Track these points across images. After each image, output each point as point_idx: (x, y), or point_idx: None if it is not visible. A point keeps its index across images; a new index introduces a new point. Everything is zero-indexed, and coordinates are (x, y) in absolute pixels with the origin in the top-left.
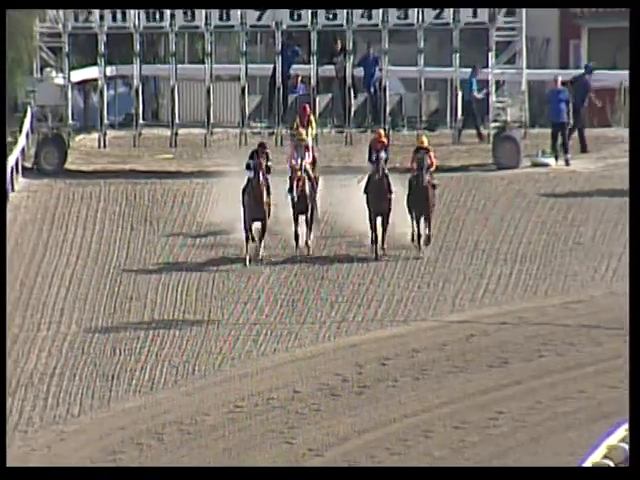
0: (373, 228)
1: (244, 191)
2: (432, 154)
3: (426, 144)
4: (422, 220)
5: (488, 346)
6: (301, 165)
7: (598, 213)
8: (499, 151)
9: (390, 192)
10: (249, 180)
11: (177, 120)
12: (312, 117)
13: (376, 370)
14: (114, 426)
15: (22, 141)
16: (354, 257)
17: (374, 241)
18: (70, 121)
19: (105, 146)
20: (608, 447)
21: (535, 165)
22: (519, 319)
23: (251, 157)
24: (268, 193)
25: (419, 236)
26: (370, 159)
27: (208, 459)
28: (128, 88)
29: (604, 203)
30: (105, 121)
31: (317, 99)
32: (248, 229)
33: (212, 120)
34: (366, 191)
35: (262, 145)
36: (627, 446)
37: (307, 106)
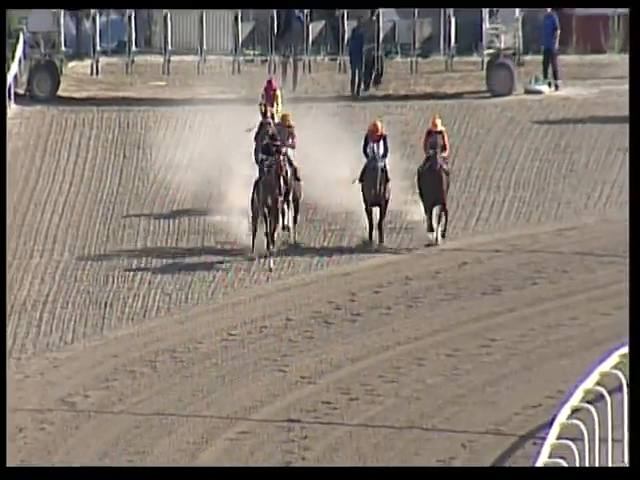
0: (369, 220)
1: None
2: (446, 137)
3: (439, 126)
4: (436, 209)
5: (481, 274)
6: (285, 150)
7: (591, 140)
8: (493, 78)
9: (387, 181)
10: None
11: (170, 47)
12: (278, 92)
13: (369, 298)
14: (107, 354)
15: (14, 68)
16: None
17: (370, 234)
18: (63, 48)
19: (98, 73)
20: (601, 374)
21: (528, 92)
22: (512, 247)
23: (266, 151)
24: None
25: (431, 228)
26: (365, 151)
27: (201, 387)
28: (120, 15)
29: (597, 130)
30: (98, 48)
31: (310, 26)
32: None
33: (205, 47)
34: (361, 179)
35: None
36: (620, 373)
37: (272, 80)
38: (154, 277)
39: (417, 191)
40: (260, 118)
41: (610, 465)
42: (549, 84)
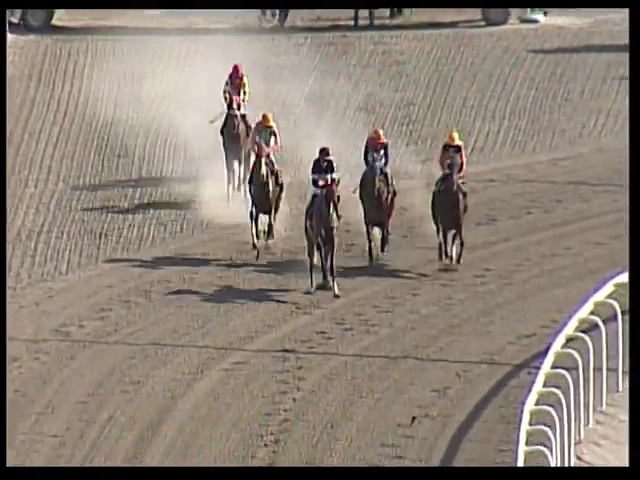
0: (368, 238)
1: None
2: (463, 152)
3: (457, 141)
4: (450, 234)
5: (476, 204)
6: (267, 152)
7: (587, 69)
8: None
9: (389, 192)
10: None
11: None
12: (245, 79)
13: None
14: (102, 284)
15: None
16: None
17: (370, 252)
18: None
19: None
20: (595, 303)
21: (524, 21)
22: (507, 176)
23: (316, 170)
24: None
25: (446, 253)
26: (366, 159)
27: (196, 317)
28: None
29: (593, 59)
30: None
31: None
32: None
33: None
34: (361, 196)
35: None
36: (615, 302)
37: (239, 66)
38: (149, 207)
39: (430, 212)
40: (224, 108)
41: (604, 395)
42: (544, 13)
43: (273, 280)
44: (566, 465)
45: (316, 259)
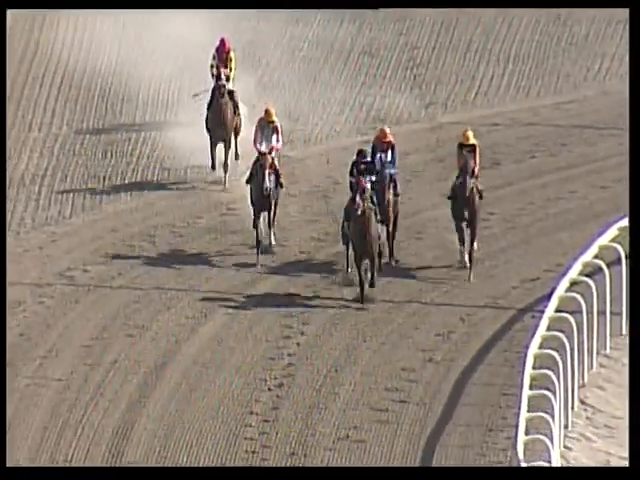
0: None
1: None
2: (477, 151)
3: (472, 139)
4: (467, 234)
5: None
6: (270, 150)
7: (591, 12)
8: None
9: (397, 195)
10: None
11: None
12: (232, 54)
13: None
14: (106, 228)
15: None
16: None
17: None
18: None
19: None
20: (600, 247)
21: None
22: (511, 120)
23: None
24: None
25: (462, 254)
26: (373, 159)
27: (200, 262)
28: None
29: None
30: None
31: None
32: None
33: None
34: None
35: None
36: (619, 246)
37: (225, 40)
38: (152, 151)
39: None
40: (209, 84)
41: (608, 339)
42: None
43: (276, 224)
44: (569, 409)
45: (352, 268)
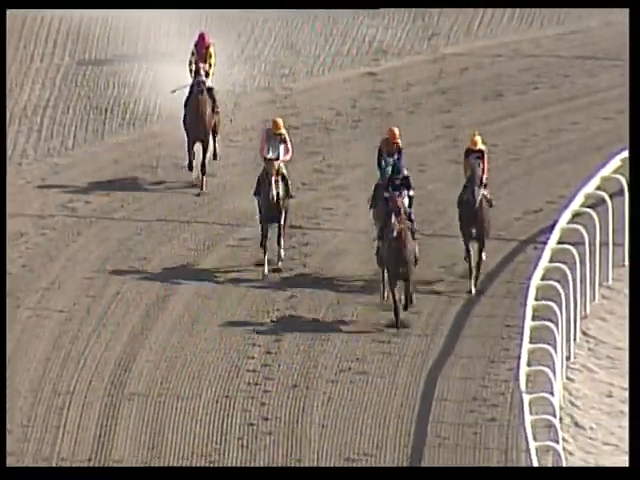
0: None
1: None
2: (486, 158)
3: (480, 145)
4: (475, 246)
5: (483, 79)
6: (277, 157)
7: None
8: None
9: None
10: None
11: None
12: (211, 49)
13: (370, 104)
14: (108, 159)
15: None
16: None
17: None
18: None
19: None
20: (602, 178)
21: None
22: (514, 51)
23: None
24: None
25: (470, 268)
26: (380, 165)
27: (202, 194)
28: None
29: None
30: None
31: None
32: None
33: None
34: (373, 206)
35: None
36: (621, 177)
37: (205, 35)
38: (155, 82)
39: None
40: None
41: (610, 270)
42: None
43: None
44: (572, 340)
45: (388, 291)
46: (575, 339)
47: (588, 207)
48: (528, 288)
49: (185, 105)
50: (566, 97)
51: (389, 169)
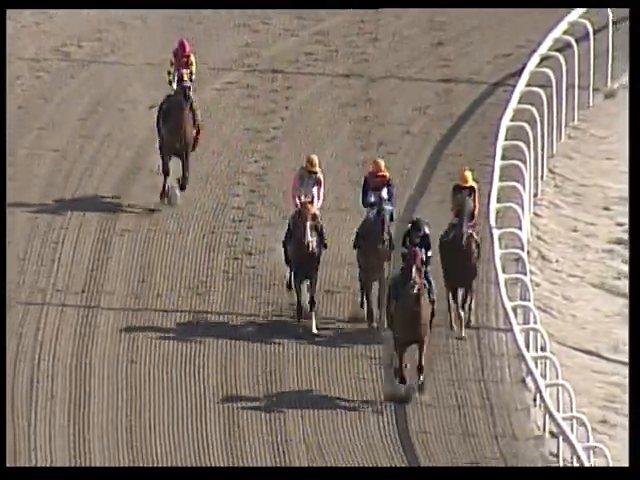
0: (366, 297)
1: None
2: (477, 195)
3: (470, 182)
4: (461, 292)
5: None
6: (311, 200)
7: None
8: None
9: (392, 248)
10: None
11: None
12: (192, 57)
13: None
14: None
15: None
16: None
17: (370, 315)
18: None
19: None
20: (569, 23)
21: None
22: None
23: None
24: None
25: (458, 316)
26: (365, 202)
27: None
28: None
29: None
30: None
31: None
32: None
33: None
34: (357, 245)
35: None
36: (587, 22)
37: (185, 42)
38: None
39: (440, 262)
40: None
41: (576, 111)
42: None
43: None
44: (539, 178)
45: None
46: (542, 177)
47: (556, 51)
48: (498, 129)
49: (163, 118)
50: None
51: (388, 207)
